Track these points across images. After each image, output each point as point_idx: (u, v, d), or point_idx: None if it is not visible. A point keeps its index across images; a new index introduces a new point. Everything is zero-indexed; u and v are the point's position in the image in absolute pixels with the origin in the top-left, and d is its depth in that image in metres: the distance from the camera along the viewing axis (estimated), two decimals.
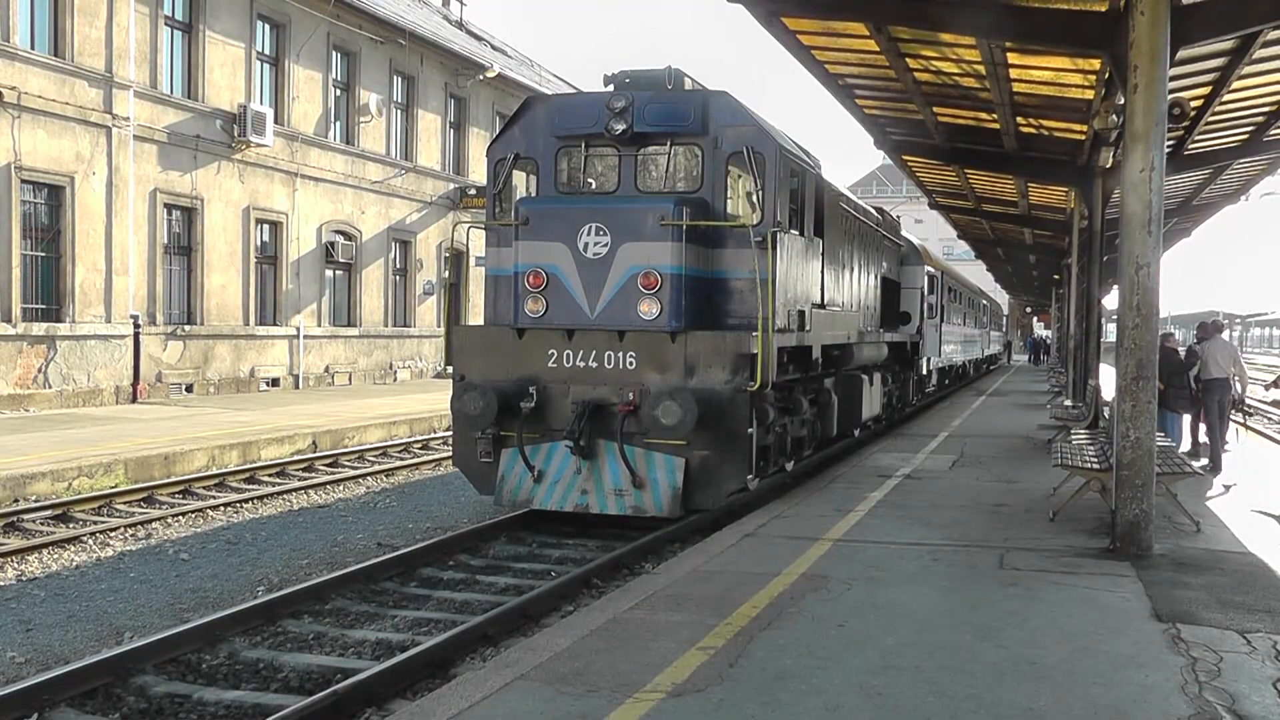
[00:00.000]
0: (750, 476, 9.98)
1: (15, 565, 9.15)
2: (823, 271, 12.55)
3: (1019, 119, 14.73)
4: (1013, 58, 11.70)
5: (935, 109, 14.94)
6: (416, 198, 28.32)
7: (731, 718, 4.71)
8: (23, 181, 17.82)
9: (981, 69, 12.25)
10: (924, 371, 22.86)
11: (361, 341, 26.49)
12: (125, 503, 11.78)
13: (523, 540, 10.07)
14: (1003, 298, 69.71)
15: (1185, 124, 13.56)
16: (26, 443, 13.94)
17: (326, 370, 25.25)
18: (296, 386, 24.04)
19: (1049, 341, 58.88)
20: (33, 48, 18.04)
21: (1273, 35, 10.24)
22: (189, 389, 21.31)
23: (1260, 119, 14.26)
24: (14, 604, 7.97)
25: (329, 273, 25.44)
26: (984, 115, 14.87)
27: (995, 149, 16.71)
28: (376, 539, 10.35)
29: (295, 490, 12.88)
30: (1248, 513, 10.36)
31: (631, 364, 9.86)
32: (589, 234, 9.81)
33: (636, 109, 10.15)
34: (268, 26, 23.31)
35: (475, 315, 28.52)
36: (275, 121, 22.94)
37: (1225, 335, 14.73)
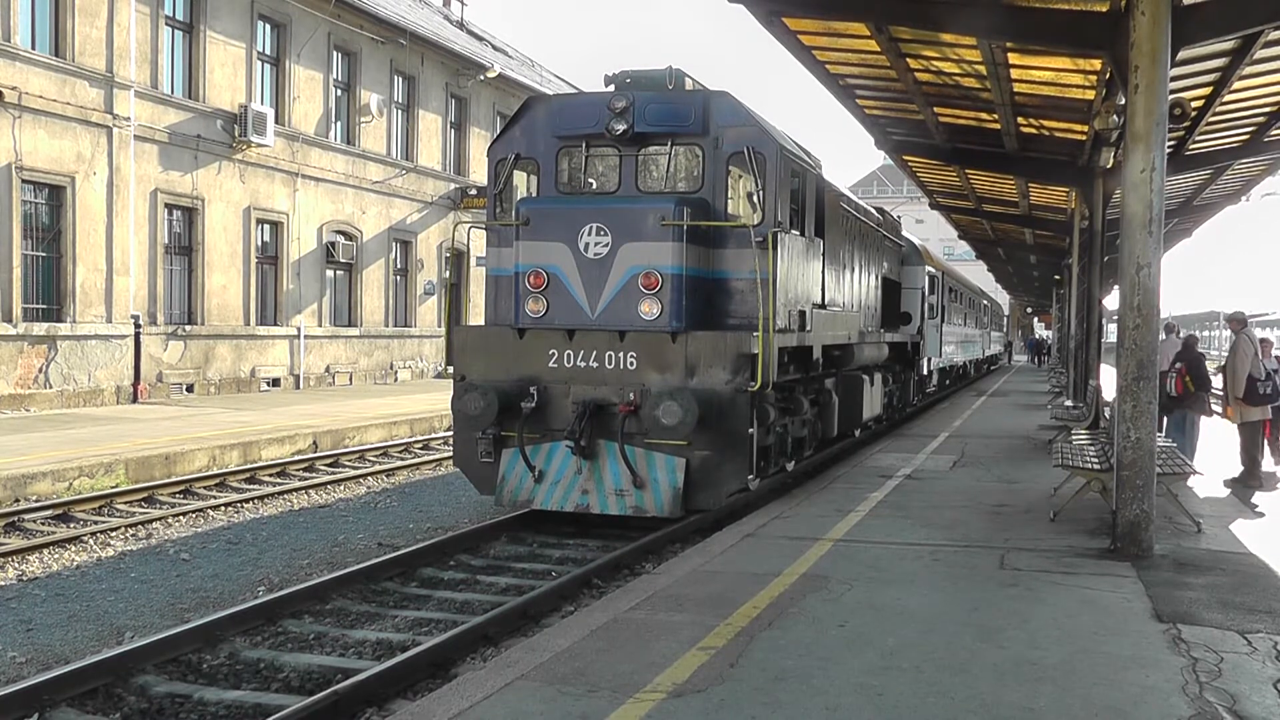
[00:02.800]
0: (751, 477, 9.98)
1: (16, 565, 9.16)
2: (823, 272, 12.54)
3: (1020, 119, 14.73)
4: (1013, 58, 11.70)
5: (936, 109, 14.94)
6: (417, 198, 28.33)
7: (732, 718, 4.71)
8: (23, 181, 17.82)
9: (982, 69, 12.26)
10: (925, 372, 22.85)
11: (362, 342, 26.50)
12: (126, 503, 11.78)
13: (523, 540, 10.07)
14: (1003, 298, 69.73)
15: (1186, 124, 13.56)
16: (27, 442, 13.94)
17: (327, 370, 25.26)
18: (297, 387, 24.05)
19: (1049, 342, 58.86)
20: (33, 48, 18.05)
21: (1273, 36, 10.24)
22: (189, 389, 21.32)
23: (1261, 119, 14.25)
24: (15, 604, 7.97)
25: (329, 273, 25.44)
26: (985, 115, 14.87)
27: (996, 149, 16.72)
28: (377, 539, 10.35)
29: (296, 490, 12.89)
30: (1249, 513, 10.36)
31: (632, 364, 9.86)
32: (590, 234, 9.81)
33: (637, 109, 10.15)
34: (268, 26, 23.32)
35: (476, 315, 28.51)
36: (276, 121, 22.95)
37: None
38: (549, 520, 10.39)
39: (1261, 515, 10.25)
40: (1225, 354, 13.57)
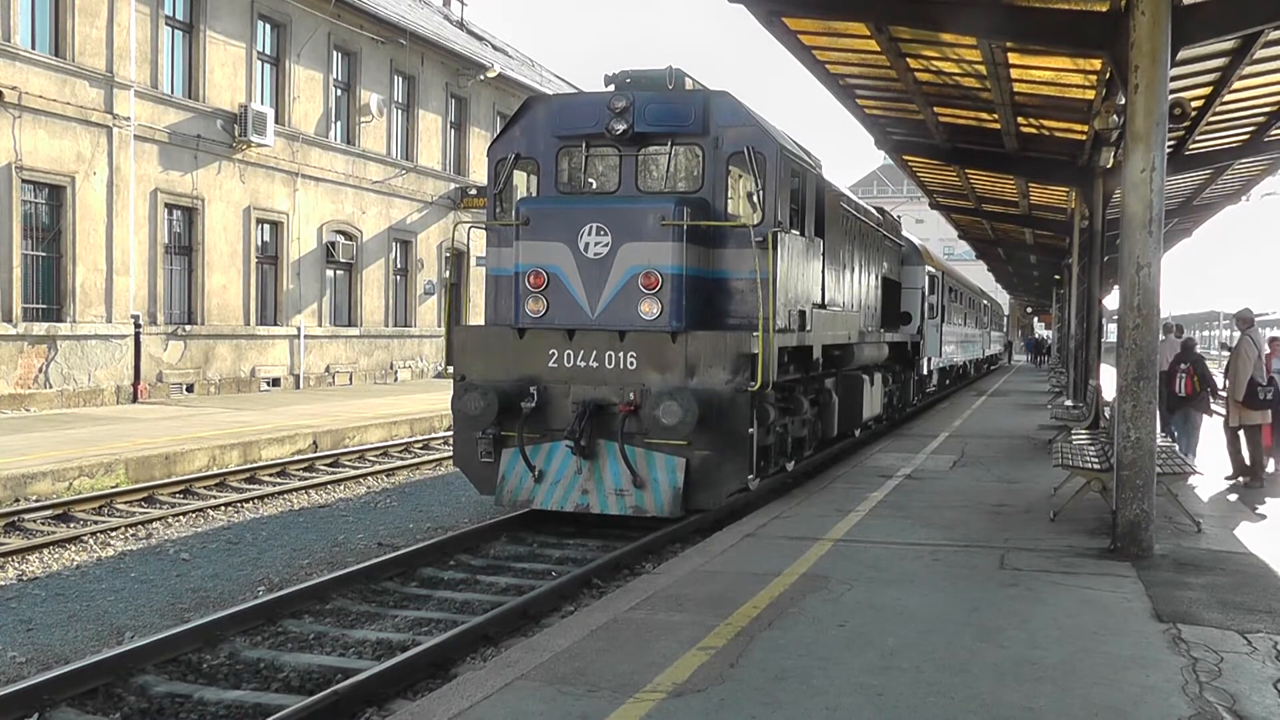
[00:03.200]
0: (751, 476, 9.98)
1: (16, 565, 9.16)
2: (823, 271, 12.54)
3: (1020, 119, 14.73)
4: (1013, 58, 11.70)
5: (936, 109, 14.94)
6: (417, 198, 28.33)
7: (732, 718, 4.71)
8: (24, 181, 17.82)
9: (982, 69, 12.26)
10: (925, 371, 22.85)
11: (362, 341, 26.50)
12: (126, 502, 11.78)
13: (523, 540, 10.07)
14: (1003, 298, 69.72)
15: (1186, 124, 13.56)
16: (27, 442, 13.94)
17: (327, 370, 25.25)
18: (297, 386, 24.05)
19: (1049, 342, 58.84)
20: (33, 48, 18.05)
21: (1273, 35, 10.24)
22: (190, 389, 21.32)
23: (1261, 119, 14.26)
24: (15, 604, 7.97)
25: (329, 273, 25.44)
26: (985, 115, 14.87)
27: (996, 149, 16.72)
28: (377, 539, 10.35)
29: (296, 490, 12.88)
30: (1249, 513, 10.36)
31: (632, 364, 9.86)
32: (590, 234, 9.81)
33: (637, 109, 10.14)
34: (268, 26, 23.31)
35: (476, 315, 28.51)
36: (276, 121, 22.95)
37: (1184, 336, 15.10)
38: (549, 520, 10.39)
39: (1262, 516, 10.25)
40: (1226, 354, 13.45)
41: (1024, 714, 4.79)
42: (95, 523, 10.76)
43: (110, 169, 19.28)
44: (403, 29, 26.41)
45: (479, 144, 30.25)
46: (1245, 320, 12.51)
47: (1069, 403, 18.32)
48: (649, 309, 9.71)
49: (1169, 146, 10.77)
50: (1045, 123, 14.98)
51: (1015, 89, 13.07)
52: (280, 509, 11.89)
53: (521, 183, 11.05)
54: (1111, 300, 26.78)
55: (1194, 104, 12.49)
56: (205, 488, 12.82)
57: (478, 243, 23.77)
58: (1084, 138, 15.09)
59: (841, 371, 14.02)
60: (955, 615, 6.39)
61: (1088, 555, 8.10)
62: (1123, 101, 8.93)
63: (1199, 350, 14.20)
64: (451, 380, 10.56)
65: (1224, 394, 13.95)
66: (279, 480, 13.60)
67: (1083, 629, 6.12)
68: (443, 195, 29.40)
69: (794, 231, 11.02)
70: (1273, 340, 12.77)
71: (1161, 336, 14.88)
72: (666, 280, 9.65)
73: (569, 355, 10.01)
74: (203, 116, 21.37)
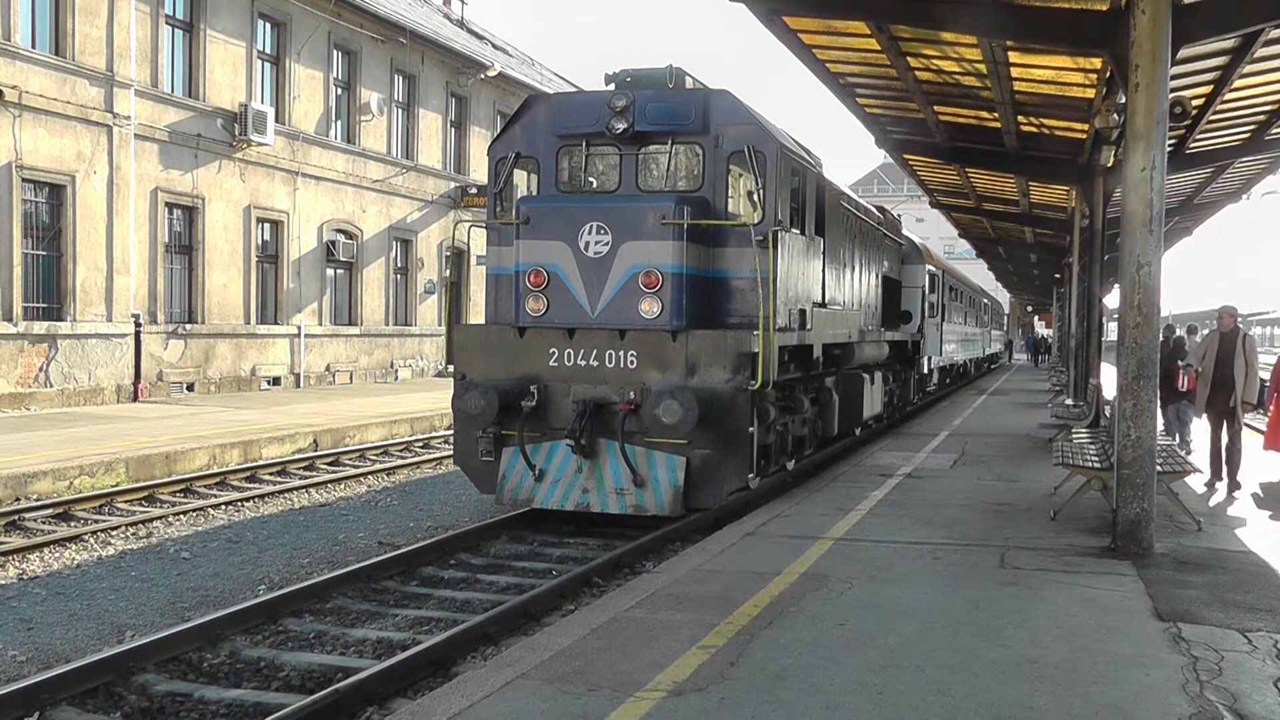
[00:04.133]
0: (751, 475, 9.98)
1: (16, 564, 9.16)
2: (824, 270, 12.54)
3: (1020, 118, 14.73)
4: (1014, 56, 11.70)
5: (936, 108, 14.93)
6: (417, 197, 28.32)
7: (732, 717, 4.71)
8: (24, 180, 17.82)
9: (982, 68, 12.25)
10: (925, 370, 22.85)
11: (362, 340, 26.50)
12: (126, 501, 11.78)
13: (524, 539, 10.08)
14: (1004, 296, 69.71)
15: (1186, 123, 13.56)
16: (27, 441, 13.95)
17: (327, 369, 25.25)
18: (297, 385, 24.05)
19: (1049, 341, 58.82)
20: (34, 47, 18.04)
21: (1274, 34, 10.24)
22: (190, 388, 21.32)
23: (1261, 118, 14.25)
24: (15, 603, 7.97)
25: (330, 271, 25.44)
26: (985, 114, 14.86)
27: (996, 148, 16.71)
28: (377, 538, 10.36)
29: (296, 489, 12.88)
30: (1250, 511, 10.36)
31: (632, 363, 9.86)
32: (590, 233, 9.81)
33: (637, 108, 10.14)
34: (269, 25, 23.31)
35: (476, 314, 28.53)
36: (276, 120, 22.95)
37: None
38: (549, 519, 10.39)
39: (1263, 515, 10.25)
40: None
41: (1024, 713, 4.79)
42: (96, 522, 10.76)
43: (110, 168, 19.28)
44: (403, 28, 26.40)
45: (479, 143, 30.25)
46: (1234, 317, 12.16)
47: (1069, 401, 18.31)
48: (649, 308, 9.71)
49: (1169, 145, 10.77)
50: (1045, 121, 14.97)
51: (1015, 88, 13.07)
52: (281, 508, 11.89)
53: (522, 182, 11.06)
54: (1112, 299, 26.79)
55: (1194, 102, 12.48)
56: (206, 487, 12.82)
57: (478, 242, 23.79)
58: (1084, 136, 15.08)
59: (842, 370, 14.02)
60: (956, 614, 6.39)
61: (1088, 554, 8.10)
62: (1123, 100, 8.93)
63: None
64: (452, 379, 10.57)
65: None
66: (279, 479, 13.61)
67: (1083, 627, 6.12)
68: (443, 194, 29.39)
69: (794, 230, 11.02)
70: None
71: (1192, 337, 14.97)
72: (667, 279, 9.65)
73: (569, 354, 10.02)
74: (203, 115, 21.37)
